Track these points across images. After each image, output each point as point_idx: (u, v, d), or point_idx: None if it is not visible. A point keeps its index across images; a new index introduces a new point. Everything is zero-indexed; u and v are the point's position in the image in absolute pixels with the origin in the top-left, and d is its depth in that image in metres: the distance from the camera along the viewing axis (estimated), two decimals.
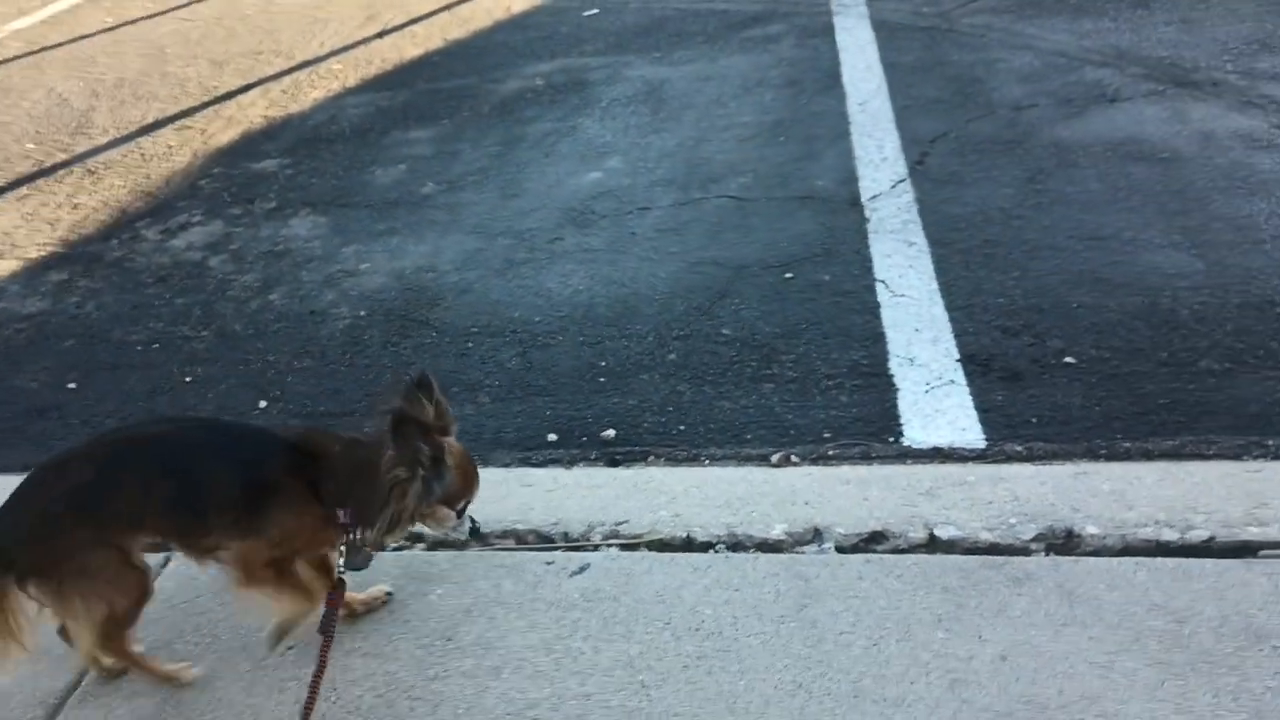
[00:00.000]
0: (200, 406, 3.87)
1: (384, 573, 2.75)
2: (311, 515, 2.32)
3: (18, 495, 2.28)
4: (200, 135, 6.38)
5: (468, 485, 2.36)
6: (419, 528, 2.46)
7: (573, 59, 6.97)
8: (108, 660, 2.50)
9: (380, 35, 7.92)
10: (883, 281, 4.06)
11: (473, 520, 2.46)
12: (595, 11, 7.87)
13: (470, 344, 4.04)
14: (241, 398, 3.90)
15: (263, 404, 3.84)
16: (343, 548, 2.36)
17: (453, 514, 2.35)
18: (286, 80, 7.16)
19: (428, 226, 4.98)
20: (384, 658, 2.53)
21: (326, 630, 2.33)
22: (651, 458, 3.31)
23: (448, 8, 8.38)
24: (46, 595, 2.23)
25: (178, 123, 6.63)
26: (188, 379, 4.05)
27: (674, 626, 2.51)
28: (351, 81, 7.02)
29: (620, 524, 2.86)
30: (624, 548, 2.81)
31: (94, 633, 2.31)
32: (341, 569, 2.38)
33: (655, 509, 2.92)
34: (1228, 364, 3.38)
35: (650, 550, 2.79)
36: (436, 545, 2.89)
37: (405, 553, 2.87)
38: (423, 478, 2.21)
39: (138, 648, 2.49)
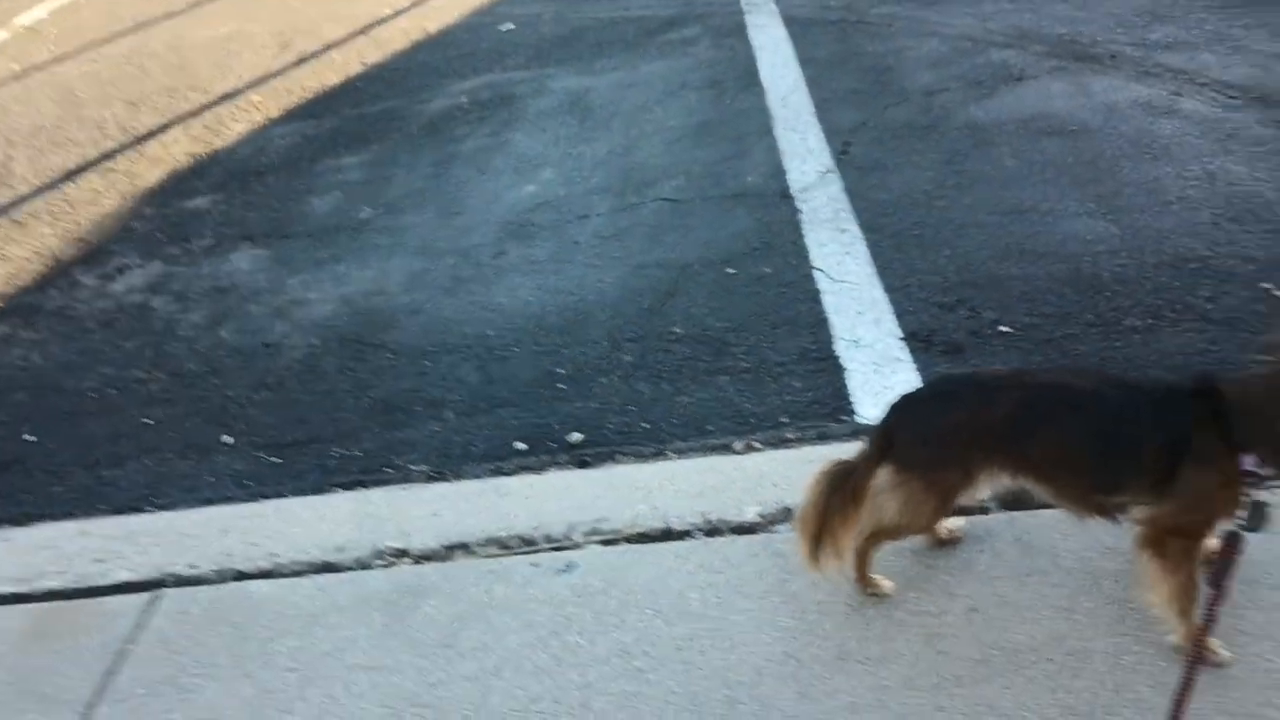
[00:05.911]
0: (164, 448, 3.88)
1: (373, 591, 2.83)
2: (1225, 470, 2.12)
3: (933, 396, 2.50)
4: (126, 177, 6.33)
5: None
6: None
7: (496, 74, 7.05)
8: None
9: (297, 64, 7.91)
10: (820, 269, 4.22)
11: None
12: (512, 26, 7.95)
13: (428, 363, 4.11)
14: (205, 434, 3.92)
15: (227, 439, 3.87)
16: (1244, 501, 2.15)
17: None
18: (207, 115, 7.11)
19: (371, 251, 5.03)
20: (386, 670, 2.61)
21: (1216, 583, 2.13)
22: (619, 456, 3.42)
23: (363, 31, 8.39)
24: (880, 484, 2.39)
25: (100, 166, 6.55)
26: (147, 421, 4.05)
27: (664, 613, 2.63)
28: (274, 112, 7.01)
29: (600, 521, 2.97)
30: (606, 543, 2.93)
31: (871, 530, 2.48)
32: (1242, 524, 2.17)
33: (632, 504, 3.04)
34: (1150, 320, 3.60)
35: (631, 544, 2.91)
36: (421, 559, 2.97)
37: (391, 570, 2.95)
38: None
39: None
